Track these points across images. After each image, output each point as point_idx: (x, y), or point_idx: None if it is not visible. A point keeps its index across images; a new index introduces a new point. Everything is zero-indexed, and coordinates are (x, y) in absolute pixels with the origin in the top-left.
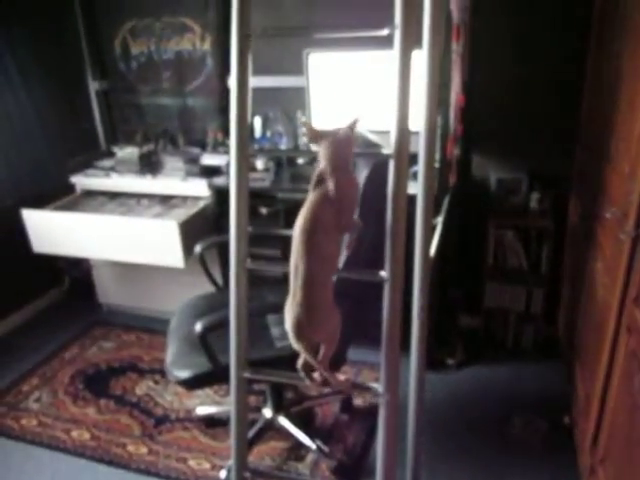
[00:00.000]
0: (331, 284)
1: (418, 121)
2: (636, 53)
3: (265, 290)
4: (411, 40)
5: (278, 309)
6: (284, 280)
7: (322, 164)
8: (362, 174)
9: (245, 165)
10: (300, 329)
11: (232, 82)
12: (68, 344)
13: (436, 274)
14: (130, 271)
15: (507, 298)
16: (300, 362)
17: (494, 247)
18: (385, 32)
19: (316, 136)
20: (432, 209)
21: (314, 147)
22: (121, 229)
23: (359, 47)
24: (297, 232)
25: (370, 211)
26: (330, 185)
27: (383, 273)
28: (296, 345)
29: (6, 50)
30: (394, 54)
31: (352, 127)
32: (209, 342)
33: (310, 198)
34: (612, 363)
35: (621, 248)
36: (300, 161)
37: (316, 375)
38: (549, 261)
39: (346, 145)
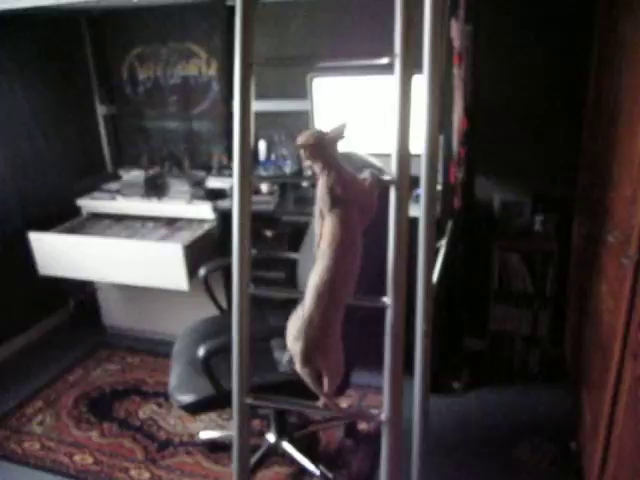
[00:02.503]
0: (344, 306)
1: (420, 144)
2: (636, 78)
3: (268, 313)
4: (411, 67)
5: (281, 333)
6: (287, 302)
7: (321, 175)
8: None
9: (248, 189)
10: (310, 353)
11: (235, 108)
12: (72, 366)
13: (441, 297)
14: (135, 293)
15: (513, 321)
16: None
17: (499, 270)
18: (385, 60)
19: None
20: (434, 232)
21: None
22: (126, 252)
23: (362, 72)
24: (324, 256)
25: (372, 236)
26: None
27: (385, 299)
28: (301, 369)
29: (14, 73)
30: (394, 81)
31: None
32: (212, 367)
33: (333, 218)
34: (618, 389)
35: (624, 272)
36: (305, 184)
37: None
38: (554, 284)
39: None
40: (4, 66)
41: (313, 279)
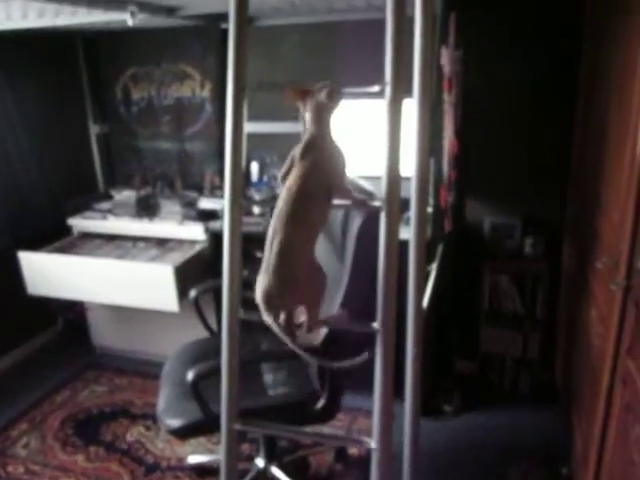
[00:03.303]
0: (311, 248)
1: (410, 167)
2: (622, 104)
3: (259, 335)
4: (401, 94)
5: (272, 357)
6: None
7: (311, 129)
8: (354, 224)
9: (239, 210)
10: (270, 299)
11: (227, 131)
12: (60, 387)
13: (431, 320)
14: (125, 314)
15: (503, 343)
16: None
17: (489, 292)
18: (376, 89)
19: (300, 95)
20: (425, 255)
21: (299, 106)
22: (116, 272)
23: (354, 96)
24: (285, 195)
25: (362, 262)
26: (319, 151)
27: (375, 324)
28: (266, 317)
29: (7, 91)
30: (385, 107)
31: (332, 92)
32: (201, 390)
33: (299, 168)
34: (608, 414)
35: (613, 298)
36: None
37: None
38: (545, 306)
39: (330, 108)
40: None
41: (269, 228)
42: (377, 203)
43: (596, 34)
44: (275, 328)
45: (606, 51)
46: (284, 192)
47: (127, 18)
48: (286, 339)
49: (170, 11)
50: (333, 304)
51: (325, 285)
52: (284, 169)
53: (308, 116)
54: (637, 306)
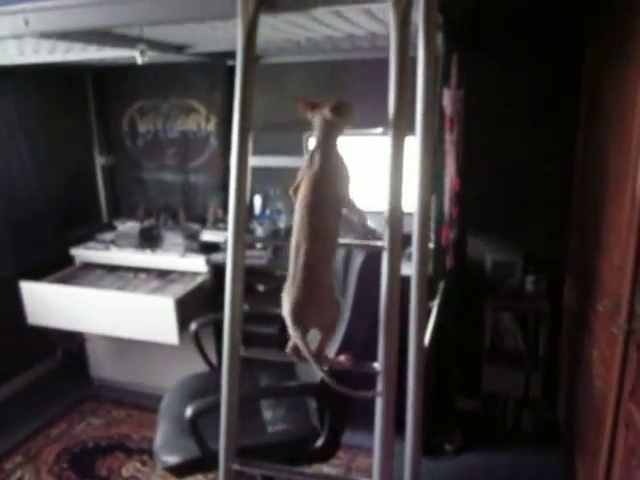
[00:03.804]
0: (332, 264)
1: (412, 204)
2: (622, 142)
3: (258, 371)
4: (403, 134)
5: (271, 394)
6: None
7: (317, 142)
8: (356, 261)
9: (242, 249)
10: (299, 313)
11: (232, 168)
12: (56, 419)
13: (433, 357)
14: (124, 345)
15: (505, 381)
16: (290, 345)
17: (491, 329)
18: (379, 130)
19: (309, 107)
20: (426, 292)
21: (309, 117)
22: (117, 304)
23: (358, 134)
24: (300, 206)
25: (364, 299)
26: (326, 162)
27: (376, 365)
28: (293, 331)
29: (16, 121)
30: (388, 146)
31: (336, 108)
32: (200, 427)
33: (307, 181)
34: (612, 458)
35: (615, 340)
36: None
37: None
38: (547, 344)
39: (335, 124)
40: (6, 114)
41: (292, 241)
42: (379, 243)
43: (596, 75)
44: (300, 344)
45: (606, 92)
46: (298, 206)
47: (137, 56)
48: (310, 358)
49: (179, 49)
50: (335, 339)
51: (340, 312)
52: (295, 183)
53: (316, 130)
54: (639, 350)
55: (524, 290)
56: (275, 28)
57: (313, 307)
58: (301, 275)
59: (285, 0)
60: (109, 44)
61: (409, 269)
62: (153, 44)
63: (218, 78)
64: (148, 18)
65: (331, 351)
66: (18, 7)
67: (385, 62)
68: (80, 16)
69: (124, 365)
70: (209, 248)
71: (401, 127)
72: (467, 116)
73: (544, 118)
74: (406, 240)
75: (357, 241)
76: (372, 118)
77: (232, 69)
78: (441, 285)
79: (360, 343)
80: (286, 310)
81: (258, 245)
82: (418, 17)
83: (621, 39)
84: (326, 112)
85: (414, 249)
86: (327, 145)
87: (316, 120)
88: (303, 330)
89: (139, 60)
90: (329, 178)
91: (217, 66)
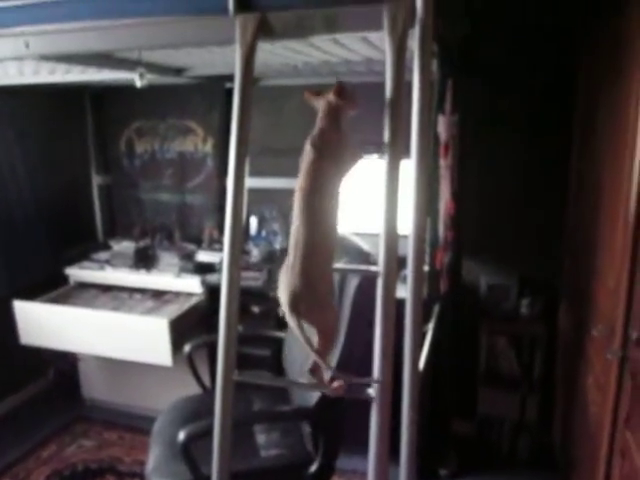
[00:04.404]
0: (332, 257)
1: (407, 227)
2: (615, 165)
3: (251, 393)
4: (399, 156)
5: (265, 418)
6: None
7: (319, 124)
8: (351, 285)
9: (237, 268)
10: (296, 301)
11: (229, 191)
12: (47, 441)
13: (428, 381)
14: (117, 366)
15: (501, 404)
16: (309, 365)
17: (486, 353)
18: (375, 156)
19: (314, 95)
20: (421, 315)
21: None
22: (110, 324)
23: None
24: (297, 192)
25: (359, 324)
26: (327, 141)
27: (371, 391)
28: (290, 320)
29: (13, 139)
30: (383, 171)
31: (339, 90)
32: (192, 451)
33: (305, 164)
34: None
35: (609, 366)
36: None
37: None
38: (542, 367)
39: (339, 106)
40: (4, 132)
41: (291, 228)
42: (374, 268)
43: (589, 98)
44: (297, 333)
45: (599, 115)
46: (297, 189)
47: (135, 79)
48: (307, 347)
49: (177, 72)
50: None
51: (337, 318)
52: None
53: (319, 116)
54: (633, 377)
55: (519, 313)
56: (273, 53)
57: (311, 300)
58: (300, 266)
59: (283, 28)
60: (108, 67)
61: (404, 292)
62: (152, 67)
63: (216, 100)
64: (147, 43)
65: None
66: (19, 30)
67: (381, 86)
68: (80, 40)
69: (116, 386)
70: (204, 269)
71: (396, 150)
72: (462, 140)
73: (538, 142)
74: (401, 262)
75: (352, 266)
76: (368, 141)
77: (230, 91)
78: (436, 308)
79: (355, 368)
80: (284, 299)
81: (253, 265)
82: (414, 44)
83: (614, 61)
84: (330, 96)
85: (409, 272)
86: (329, 127)
87: (321, 105)
88: (299, 319)
89: (138, 83)
90: (328, 161)
91: (215, 88)
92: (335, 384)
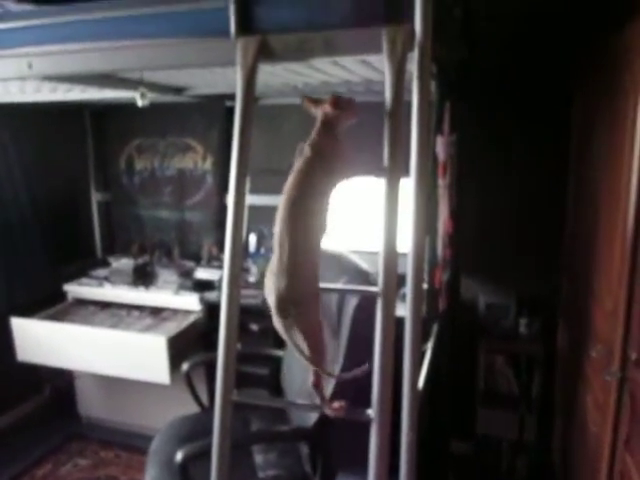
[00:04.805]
0: (317, 260)
1: (406, 245)
2: (612, 187)
3: (250, 413)
4: (398, 174)
5: (263, 439)
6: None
7: (314, 134)
8: (350, 304)
9: (237, 287)
10: (283, 305)
11: (229, 207)
12: (42, 459)
13: (426, 400)
14: (114, 383)
15: (499, 424)
16: (310, 377)
17: (485, 372)
18: (374, 176)
19: (313, 104)
20: (420, 335)
21: (313, 113)
22: (108, 342)
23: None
24: (283, 200)
25: (358, 344)
26: (306, 150)
27: (370, 412)
28: (277, 322)
29: (14, 155)
30: (382, 192)
31: (335, 102)
32: (190, 471)
33: (297, 165)
34: None
35: (608, 387)
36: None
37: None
38: (540, 387)
39: (335, 117)
40: (4, 148)
41: (275, 231)
42: (373, 289)
43: (586, 118)
44: (285, 337)
45: (595, 137)
46: (286, 191)
47: (137, 98)
48: (297, 352)
49: (178, 91)
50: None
51: (323, 336)
52: None
53: (316, 122)
54: (632, 398)
55: (517, 332)
56: (274, 74)
57: (297, 304)
58: (286, 270)
59: (284, 50)
60: (110, 86)
61: (403, 310)
62: (153, 86)
63: (216, 118)
64: (149, 64)
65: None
66: (22, 51)
67: (380, 105)
68: (83, 61)
69: (113, 403)
70: (203, 286)
71: (396, 169)
72: (460, 160)
73: (536, 162)
74: (400, 280)
75: (351, 286)
76: (367, 159)
77: (230, 109)
78: (435, 327)
79: (353, 388)
80: (271, 299)
81: (252, 283)
82: (413, 67)
83: (611, 80)
84: (326, 106)
85: (408, 291)
86: (323, 136)
87: (318, 115)
88: (286, 322)
89: (139, 103)
90: (320, 168)
91: (215, 106)
92: (336, 404)
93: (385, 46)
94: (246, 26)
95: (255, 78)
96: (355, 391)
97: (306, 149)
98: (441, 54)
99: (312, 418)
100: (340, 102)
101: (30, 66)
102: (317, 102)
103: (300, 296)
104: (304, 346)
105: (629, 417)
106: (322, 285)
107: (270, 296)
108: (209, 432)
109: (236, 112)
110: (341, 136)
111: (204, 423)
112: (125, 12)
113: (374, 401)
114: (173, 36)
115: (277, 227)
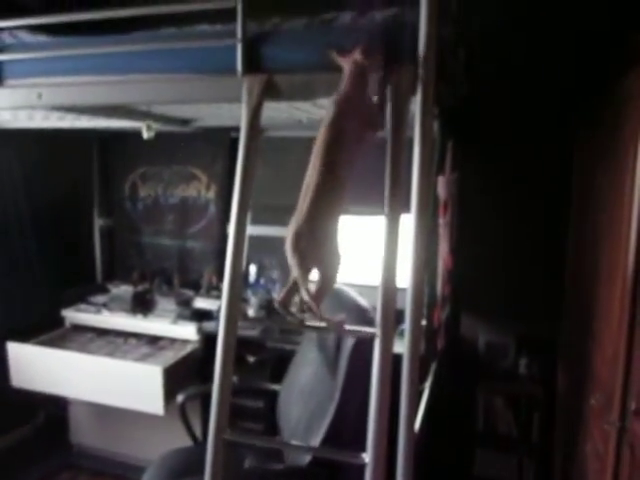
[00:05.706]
0: (339, 209)
1: (405, 282)
2: (613, 232)
3: (243, 449)
4: (399, 211)
5: (256, 477)
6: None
7: (345, 86)
8: (347, 343)
9: (235, 320)
10: (297, 240)
11: (229, 239)
12: None
13: (423, 441)
14: (108, 412)
15: (498, 467)
16: (279, 297)
17: (483, 413)
18: (375, 219)
19: (340, 55)
20: (418, 374)
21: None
22: (103, 370)
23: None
24: (317, 141)
25: (355, 383)
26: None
27: (365, 456)
28: (291, 259)
29: (17, 177)
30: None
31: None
32: None
33: (327, 118)
34: None
35: (608, 436)
36: (294, 309)
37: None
38: (540, 430)
39: (365, 66)
40: (10, 172)
41: (305, 180)
42: (371, 330)
43: (588, 162)
44: (296, 272)
45: (595, 179)
46: (317, 141)
47: (143, 130)
48: (302, 286)
49: (184, 122)
50: (324, 418)
51: (339, 265)
52: None
53: (343, 77)
54: (632, 449)
55: (517, 373)
56: (278, 110)
57: (313, 240)
58: (307, 208)
59: (289, 89)
60: (117, 117)
61: (401, 347)
62: (160, 118)
63: (221, 148)
64: (156, 98)
65: (318, 436)
66: (33, 81)
67: (383, 140)
68: (92, 93)
69: (106, 433)
70: (201, 316)
71: (396, 205)
72: (461, 198)
73: (538, 204)
74: (398, 316)
75: (349, 327)
76: (369, 195)
77: (235, 140)
78: (433, 366)
79: (349, 429)
80: (288, 239)
81: (251, 315)
82: (415, 107)
83: (612, 131)
84: (356, 55)
85: (407, 329)
86: (353, 87)
87: (346, 66)
88: (300, 260)
89: (145, 135)
90: (351, 121)
91: (220, 137)
92: (337, 318)
93: (388, 89)
94: (253, 65)
95: (260, 115)
96: (351, 433)
97: (336, 102)
98: (443, 94)
99: (306, 458)
100: (371, 51)
101: (40, 96)
102: (344, 54)
103: (319, 233)
104: (311, 286)
105: (629, 467)
106: (321, 324)
107: (288, 235)
108: (202, 467)
109: (240, 147)
110: (370, 87)
111: (197, 457)
112: (135, 47)
113: (369, 445)
114: (181, 72)
115: (308, 171)
